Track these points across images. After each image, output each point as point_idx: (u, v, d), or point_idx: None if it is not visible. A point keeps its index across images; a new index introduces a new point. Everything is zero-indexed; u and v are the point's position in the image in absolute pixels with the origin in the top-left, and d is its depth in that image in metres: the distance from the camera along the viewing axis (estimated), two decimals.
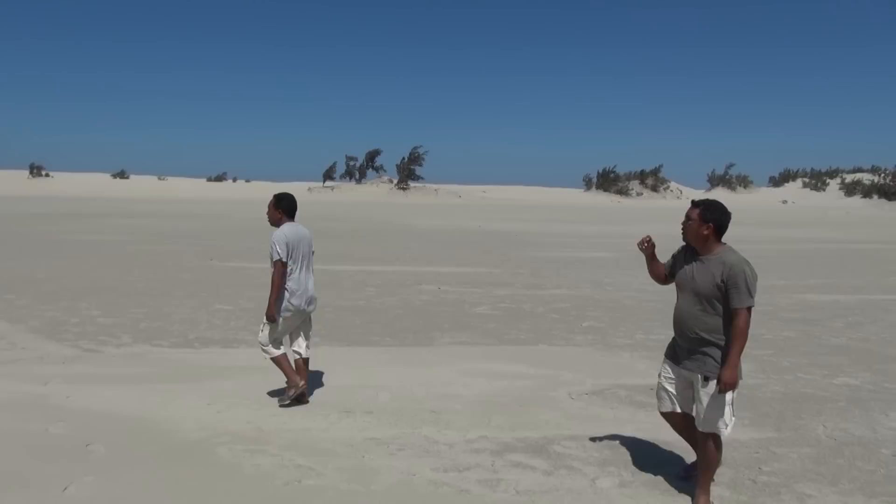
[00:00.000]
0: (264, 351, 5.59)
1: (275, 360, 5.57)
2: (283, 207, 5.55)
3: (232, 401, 5.56)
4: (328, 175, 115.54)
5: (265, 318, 5.47)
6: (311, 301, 5.61)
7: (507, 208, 72.44)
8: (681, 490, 4.07)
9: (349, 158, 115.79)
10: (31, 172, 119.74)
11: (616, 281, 13.94)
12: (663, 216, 56.11)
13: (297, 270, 5.47)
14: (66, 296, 10.56)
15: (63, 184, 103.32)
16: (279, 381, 6.16)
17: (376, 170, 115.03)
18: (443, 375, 6.47)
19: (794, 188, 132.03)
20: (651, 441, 4.85)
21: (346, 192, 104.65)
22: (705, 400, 3.81)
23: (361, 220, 39.50)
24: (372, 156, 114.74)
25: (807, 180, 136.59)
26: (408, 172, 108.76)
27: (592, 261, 18.28)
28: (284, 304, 5.42)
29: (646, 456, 4.58)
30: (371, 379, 6.30)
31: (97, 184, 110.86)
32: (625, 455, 4.59)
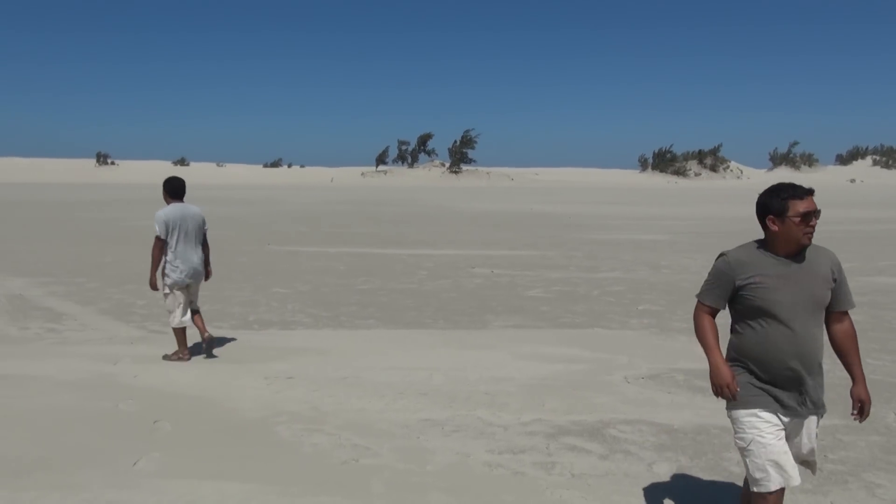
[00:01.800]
0: (171, 318, 6.27)
1: (176, 330, 6.27)
2: (167, 190, 6.26)
3: (289, 381, 5.69)
4: (380, 159, 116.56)
5: (163, 288, 6.20)
6: (193, 273, 6.24)
7: (559, 191, 71.65)
8: (742, 476, 3.97)
9: (401, 143, 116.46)
10: (98, 161, 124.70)
11: (673, 264, 13.64)
12: (723, 197, 54.53)
13: (180, 245, 6.12)
14: (132, 279, 10.97)
15: (127, 171, 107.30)
16: (337, 362, 6.29)
17: (428, 154, 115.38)
18: (496, 358, 6.47)
19: (863, 166, 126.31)
20: (710, 426, 4.74)
21: (398, 177, 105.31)
22: (815, 439, 3.07)
23: (413, 204, 39.70)
24: (424, 139, 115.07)
25: (877, 158, 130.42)
26: (460, 156, 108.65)
27: (648, 243, 17.92)
28: (169, 274, 6.12)
29: (704, 441, 4.49)
30: (425, 361, 6.35)
31: (159, 171, 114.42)
32: (682, 440, 4.51)
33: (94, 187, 66.90)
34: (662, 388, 5.60)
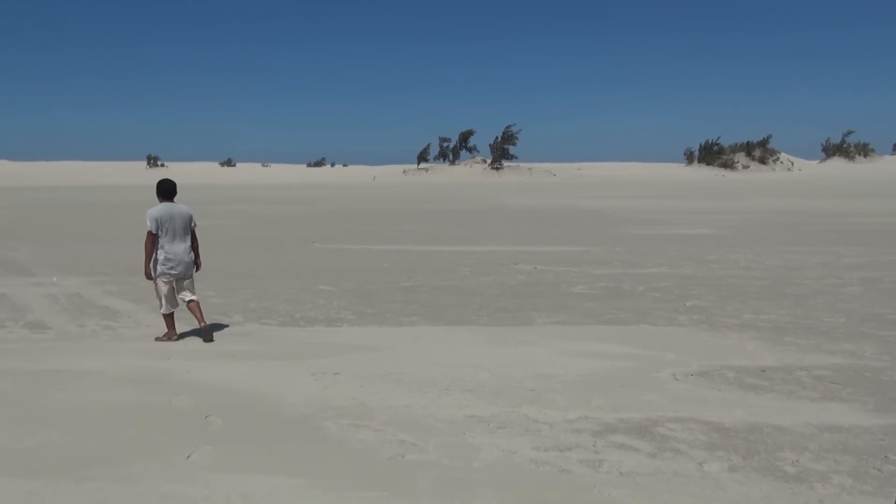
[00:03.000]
0: (160, 306, 6.99)
1: (164, 315, 7.00)
2: (158, 191, 6.98)
3: (336, 377, 5.75)
4: (422, 157, 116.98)
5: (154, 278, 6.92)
6: (181, 264, 6.89)
7: (602, 185, 70.75)
8: (797, 476, 3.86)
9: (442, 140, 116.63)
10: (149, 163, 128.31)
11: (721, 258, 13.33)
12: (773, 190, 53.07)
13: (168, 240, 6.81)
14: None
15: (176, 173, 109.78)
16: (382, 359, 6.34)
17: (469, 150, 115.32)
18: (541, 355, 6.42)
19: None
20: (763, 424, 4.62)
21: (440, 174, 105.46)
22: None
23: (455, 201, 39.72)
24: (465, 136, 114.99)
25: None
26: (501, 152, 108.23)
27: (695, 238, 17.56)
28: (160, 267, 6.81)
29: (757, 440, 4.38)
30: (469, 358, 6.34)
31: (206, 172, 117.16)
32: (734, 439, 4.41)
33: (144, 189, 68.77)
34: (713, 386, 5.47)
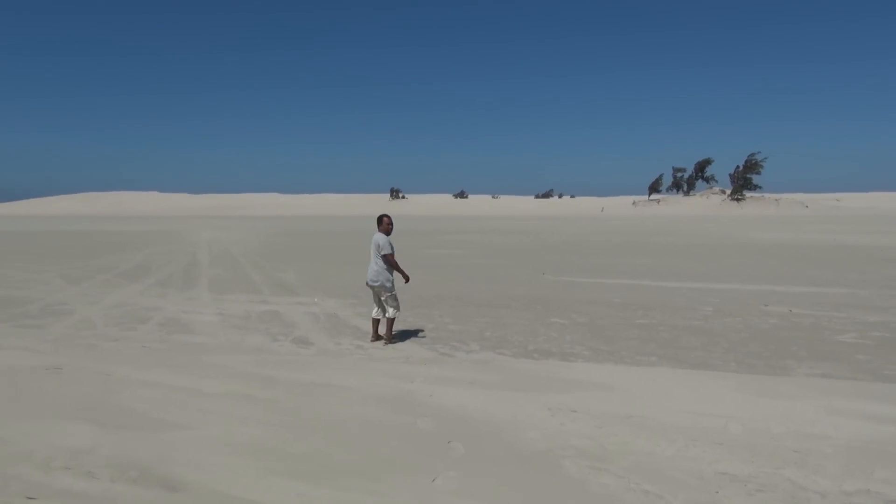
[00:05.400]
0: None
1: (372, 319, 8.82)
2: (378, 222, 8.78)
3: (573, 414, 5.63)
4: (654, 188, 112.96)
5: None
6: (371, 279, 8.56)
7: (867, 219, 62.12)
8: None
9: (676, 170, 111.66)
10: (392, 195, 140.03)
11: None
12: None
13: (371, 260, 8.63)
14: (421, 303, 11.94)
15: (414, 204, 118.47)
16: (620, 399, 6.11)
17: (706, 180, 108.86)
18: (804, 411, 5.69)
19: None
20: None
21: (673, 205, 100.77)
22: None
23: (691, 234, 37.51)
24: (702, 166, 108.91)
25: None
26: (743, 181, 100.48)
27: None
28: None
29: None
30: (717, 406, 5.83)
31: (442, 203, 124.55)
32: None
33: None
34: None
